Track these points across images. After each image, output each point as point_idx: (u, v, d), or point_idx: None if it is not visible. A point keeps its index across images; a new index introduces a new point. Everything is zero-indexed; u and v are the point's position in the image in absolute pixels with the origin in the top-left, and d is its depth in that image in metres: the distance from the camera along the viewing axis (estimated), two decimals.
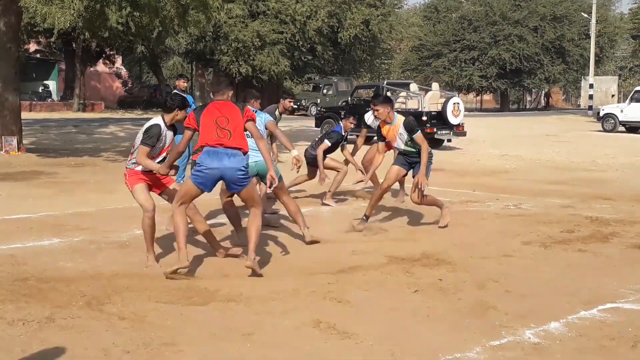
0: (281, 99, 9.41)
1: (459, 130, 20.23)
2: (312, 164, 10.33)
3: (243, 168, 6.16)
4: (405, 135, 8.21)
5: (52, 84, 45.07)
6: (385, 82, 25.08)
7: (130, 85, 53.58)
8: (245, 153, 6.22)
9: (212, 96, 6.70)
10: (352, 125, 10.56)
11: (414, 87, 23.25)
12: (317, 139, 10.69)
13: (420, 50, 56.96)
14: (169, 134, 6.68)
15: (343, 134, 10.47)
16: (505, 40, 53.05)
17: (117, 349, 4.44)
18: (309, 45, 38.89)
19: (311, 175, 10.52)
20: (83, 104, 40.22)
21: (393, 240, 7.95)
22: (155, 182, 6.70)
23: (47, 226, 8.24)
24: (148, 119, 7.20)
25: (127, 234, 7.95)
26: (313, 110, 37.05)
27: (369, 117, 10.73)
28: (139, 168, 6.56)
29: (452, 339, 4.72)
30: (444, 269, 6.53)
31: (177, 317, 5.07)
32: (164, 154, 6.67)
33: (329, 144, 10.29)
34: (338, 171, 10.36)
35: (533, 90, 65.46)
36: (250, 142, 6.60)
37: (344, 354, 4.47)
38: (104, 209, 9.19)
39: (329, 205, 10.15)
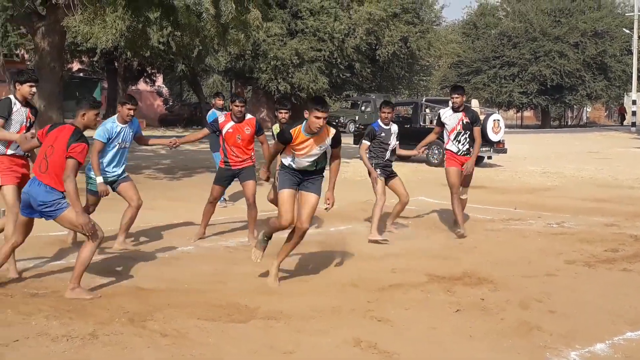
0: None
1: (499, 147, 20.04)
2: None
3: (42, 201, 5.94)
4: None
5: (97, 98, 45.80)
6: (424, 99, 25.02)
7: (171, 103, 54.22)
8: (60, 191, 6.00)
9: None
10: (388, 116, 9.22)
11: (475, 102, 23.14)
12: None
13: (459, 67, 56.72)
14: (25, 111, 6.81)
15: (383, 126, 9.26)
16: (545, 56, 52.57)
17: None
18: (347, 63, 38.98)
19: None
20: None
21: (433, 258, 7.90)
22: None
23: None
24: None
25: (167, 250, 8.02)
26: (351, 127, 37.05)
27: (445, 113, 9.40)
28: (11, 151, 6.75)
29: (494, 359, 4.66)
30: (486, 288, 6.47)
31: (218, 335, 5.09)
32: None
33: (368, 143, 9.18)
34: (376, 199, 9.13)
35: (574, 106, 64.67)
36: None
37: None
38: (145, 225, 9.28)
39: (375, 239, 8.84)
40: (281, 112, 9.02)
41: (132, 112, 7.88)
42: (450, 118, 9.23)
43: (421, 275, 6.94)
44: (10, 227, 6.60)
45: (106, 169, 7.84)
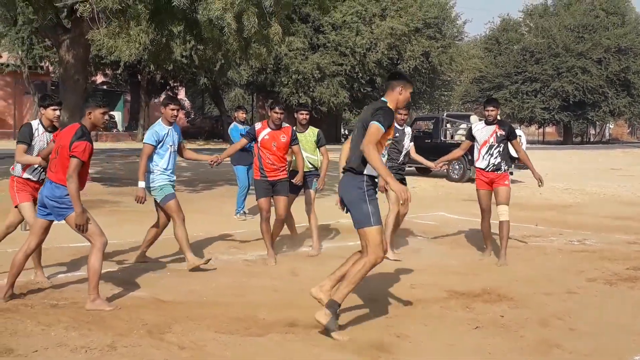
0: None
1: (521, 163, 19.92)
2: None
3: (57, 199, 6.05)
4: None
5: (117, 115, 46.18)
6: (445, 114, 24.94)
7: (192, 116, 54.54)
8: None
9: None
10: (405, 118, 9.08)
11: (474, 119, 23.03)
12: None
13: (480, 82, 56.64)
14: (47, 136, 6.91)
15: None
16: (568, 72, 52.38)
17: None
18: (368, 77, 39.08)
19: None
20: None
21: (452, 274, 7.85)
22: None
23: (110, 254, 8.37)
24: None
25: (187, 263, 8.03)
26: None
27: (477, 126, 8.98)
28: (27, 175, 6.91)
29: None
30: (506, 305, 6.42)
31: (236, 348, 5.09)
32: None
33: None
34: (390, 208, 8.93)
35: (597, 123, 64.24)
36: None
37: None
38: (165, 237, 9.30)
39: (389, 259, 8.39)
40: (302, 114, 9.11)
41: (175, 112, 7.80)
42: (482, 131, 8.75)
43: (440, 291, 6.90)
44: (32, 243, 6.66)
45: (168, 175, 7.76)
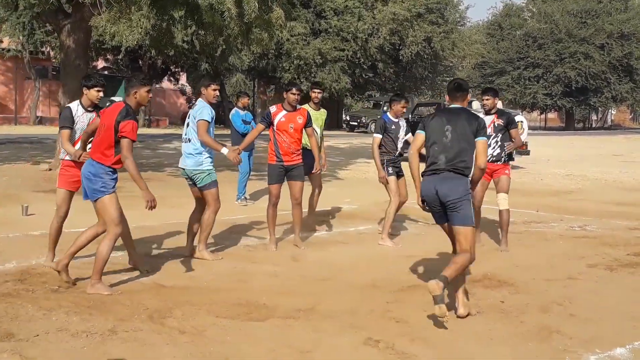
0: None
1: (522, 149, 19.87)
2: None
3: (90, 175, 6.07)
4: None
5: (118, 100, 46.11)
6: (447, 99, 24.90)
7: (194, 101, 54.44)
8: (102, 164, 6.08)
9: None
10: (403, 110, 9.08)
11: (476, 104, 22.97)
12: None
13: (483, 68, 56.48)
14: (88, 116, 6.82)
15: (395, 120, 9.06)
16: (570, 58, 52.19)
17: None
18: (370, 63, 38.95)
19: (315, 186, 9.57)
20: (148, 120, 41.08)
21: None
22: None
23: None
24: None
25: (188, 247, 8.04)
26: (373, 127, 37.04)
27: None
28: (70, 157, 6.78)
29: None
30: (506, 291, 6.43)
31: (236, 333, 5.11)
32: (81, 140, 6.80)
33: (380, 137, 8.91)
34: (390, 200, 8.99)
35: (599, 109, 64.12)
36: (186, 146, 7.22)
37: None
38: (167, 222, 9.32)
39: (385, 245, 8.71)
40: (314, 92, 9.19)
41: (217, 92, 7.63)
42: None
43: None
44: (54, 224, 6.95)
45: (212, 158, 7.50)
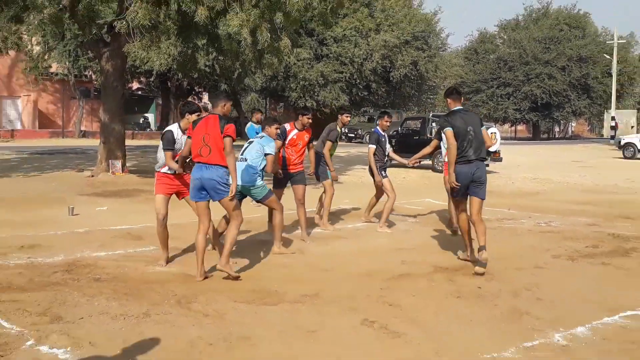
0: (338, 115, 9.49)
1: (495, 156, 19.87)
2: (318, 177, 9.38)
3: (218, 178, 6.08)
4: None
5: (150, 116, 46.11)
6: (431, 114, 24.84)
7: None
8: (224, 166, 6.10)
9: (210, 108, 6.66)
10: (388, 124, 9.45)
11: None
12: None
13: (461, 87, 56.04)
14: (184, 138, 6.71)
15: (382, 133, 9.40)
16: (536, 78, 52.14)
17: (201, 341, 4.50)
18: (364, 83, 38.97)
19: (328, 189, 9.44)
20: None
21: (438, 251, 7.85)
22: (180, 188, 6.87)
23: (146, 235, 8.41)
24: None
25: (211, 242, 8.04)
26: (368, 138, 37.00)
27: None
28: (164, 170, 6.78)
29: (489, 340, 4.63)
30: (483, 279, 6.41)
31: (252, 315, 5.10)
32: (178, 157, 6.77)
33: (375, 147, 9.21)
34: (388, 196, 9.31)
35: (561, 121, 64.03)
36: (239, 165, 6.88)
37: (394, 351, 4.42)
38: (193, 221, 9.30)
39: (385, 231, 9.11)
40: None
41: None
42: None
43: (427, 267, 6.90)
44: (158, 228, 6.86)
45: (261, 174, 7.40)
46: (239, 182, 6.75)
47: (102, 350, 4.28)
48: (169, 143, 6.70)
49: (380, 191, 9.55)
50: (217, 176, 6.08)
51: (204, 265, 6.25)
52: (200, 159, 6.14)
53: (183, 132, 6.77)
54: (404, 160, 9.56)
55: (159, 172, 6.89)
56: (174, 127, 6.83)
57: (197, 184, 6.16)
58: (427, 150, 9.11)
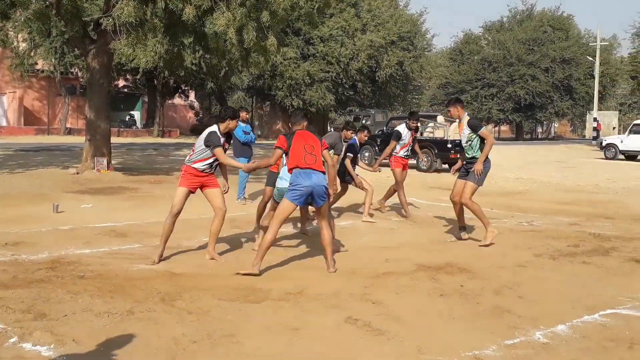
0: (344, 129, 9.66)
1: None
2: (342, 179, 9.87)
3: (326, 185, 6.49)
4: (467, 132, 8.35)
5: (136, 114, 45.85)
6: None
7: (201, 115, 54.27)
8: (324, 173, 6.54)
9: (291, 126, 6.88)
10: (366, 138, 10.09)
11: (440, 119, 23.13)
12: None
13: (446, 87, 56.66)
14: (222, 140, 6.92)
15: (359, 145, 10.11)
16: (520, 79, 52.45)
17: (185, 338, 4.48)
18: (351, 83, 39.00)
19: (343, 191, 10.06)
20: (162, 131, 40.87)
21: (421, 250, 7.87)
22: (205, 182, 6.96)
23: (130, 233, 8.37)
24: None
25: (195, 240, 8.03)
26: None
27: (403, 130, 10.57)
28: (197, 165, 6.84)
29: (471, 337, 4.65)
30: (465, 277, 6.44)
31: (236, 313, 5.09)
32: (214, 158, 6.87)
33: (352, 156, 9.79)
34: (366, 191, 9.90)
35: (544, 122, 64.47)
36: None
37: (377, 348, 4.43)
38: (178, 219, 9.27)
39: (369, 221, 9.85)
40: (351, 133, 9.64)
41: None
42: (407, 135, 10.51)
43: (410, 265, 6.91)
44: (167, 220, 6.88)
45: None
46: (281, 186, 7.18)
47: (85, 348, 4.25)
48: (217, 140, 6.82)
49: (398, 184, 10.53)
50: (325, 183, 6.48)
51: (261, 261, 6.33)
52: (312, 166, 6.40)
53: (221, 135, 6.89)
54: (369, 168, 10.77)
55: (189, 165, 6.91)
56: (215, 128, 6.93)
57: (307, 191, 6.35)
58: (387, 152, 10.54)
